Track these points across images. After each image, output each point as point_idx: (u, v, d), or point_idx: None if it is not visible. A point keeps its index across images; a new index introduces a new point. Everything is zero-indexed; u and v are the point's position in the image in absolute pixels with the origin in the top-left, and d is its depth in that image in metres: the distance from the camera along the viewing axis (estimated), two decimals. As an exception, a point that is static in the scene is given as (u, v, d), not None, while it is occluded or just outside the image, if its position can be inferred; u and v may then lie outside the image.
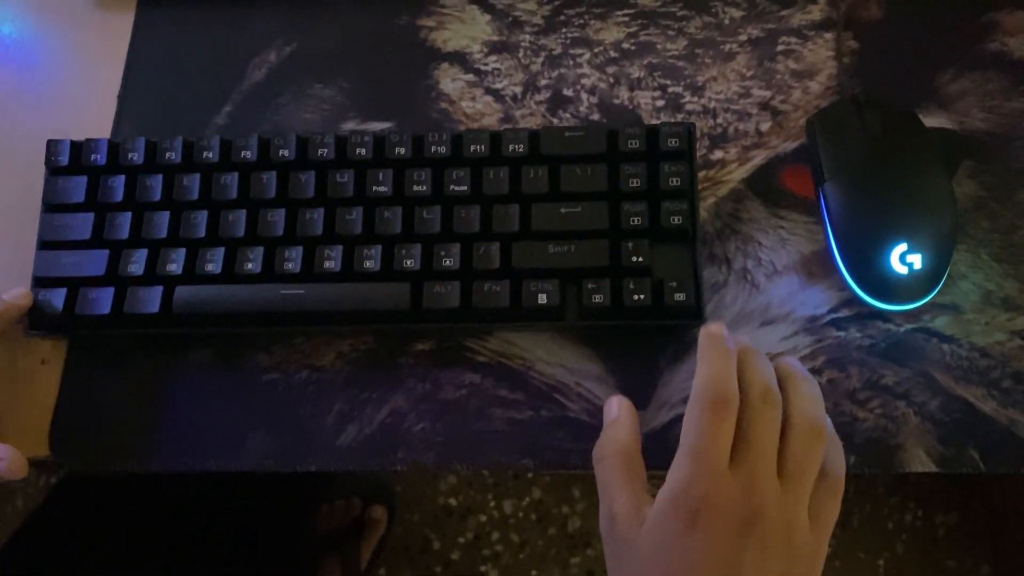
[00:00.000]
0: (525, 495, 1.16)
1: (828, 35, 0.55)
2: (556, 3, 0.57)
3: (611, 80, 0.55)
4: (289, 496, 0.94)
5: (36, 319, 0.50)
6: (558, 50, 0.56)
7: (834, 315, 0.49)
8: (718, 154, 0.52)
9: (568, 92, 0.55)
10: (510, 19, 0.57)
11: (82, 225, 0.50)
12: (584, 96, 0.55)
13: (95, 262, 0.50)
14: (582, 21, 0.56)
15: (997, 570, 1.09)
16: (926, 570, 1.09)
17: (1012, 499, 1.08)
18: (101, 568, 0.65)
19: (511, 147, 0.50)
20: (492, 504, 1.17)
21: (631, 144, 0.49)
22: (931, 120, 0.52)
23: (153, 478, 0.70)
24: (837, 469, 0.40)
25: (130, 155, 0.51)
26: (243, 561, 0.81)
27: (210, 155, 0.51)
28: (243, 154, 0.51)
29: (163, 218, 0.50)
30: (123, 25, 0.59)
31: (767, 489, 0.38)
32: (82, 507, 0.68)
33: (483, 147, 0.50)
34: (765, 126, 0.53)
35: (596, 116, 0.54)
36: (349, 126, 0.55)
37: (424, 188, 0.50)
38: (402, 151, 0.50)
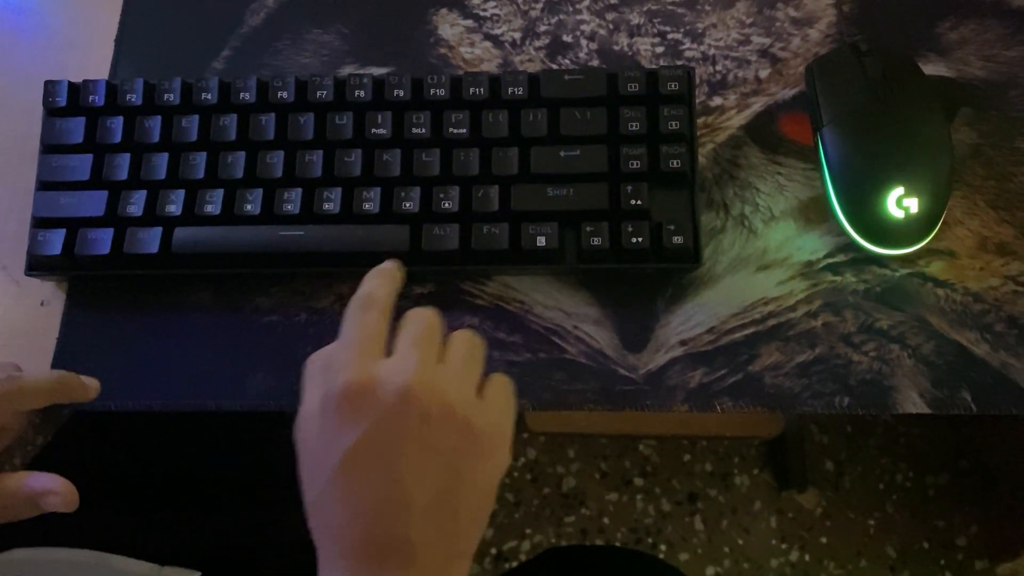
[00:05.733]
0: (520, 455, 1.17)
1: (828, -17, 0.55)
2: (556, -51, 0.57)
3: (610, 27, 0.55)
4: (285, 448, 0.94)
5: (35, 260, 0.50)
6: (558, -4, 0.56)
7: (830, 260, 0.49)
8: (717, 101, 0.52)
9: (567, 38, 0.55)
10: (510, -35, 0.57)
11: (81, 166, 0.50)
12: (583, 42, 0.54)
13: (94, 203, 0.49)
14: (582, -33, 0.56)
15: (985, 530, 1.10)
16: (916, 530, 1.11)
17: (1001, 461, 1.09)
18: (97, 513, 0.66)
19: (510, 90, 0.50)
20: (487, 464, 1.17)
21: (631, 88, 0.49)
22: (930, 68, 0.52)
23: (149, 427, 0.70)
24: (501, 377, 0.40)
25: (129, 96, 0.51)
26: (238, 516, 0.82)
27: (209, 97, 0.51)
28: (242, 96, 0.51)
29: (162, 159, 0.50)
30: (120, -32, 0.58)
31: (420, 365, 0.36)
32: (81, 456, 0.69)
33: (482, 90, 0.50)
34: (764, 73, 0.53)
35: (595, 62, 0.54)
36: (347, 71, 0.55)
37: (423, 131, 0.50)
38: (401, 94, 0.50)
